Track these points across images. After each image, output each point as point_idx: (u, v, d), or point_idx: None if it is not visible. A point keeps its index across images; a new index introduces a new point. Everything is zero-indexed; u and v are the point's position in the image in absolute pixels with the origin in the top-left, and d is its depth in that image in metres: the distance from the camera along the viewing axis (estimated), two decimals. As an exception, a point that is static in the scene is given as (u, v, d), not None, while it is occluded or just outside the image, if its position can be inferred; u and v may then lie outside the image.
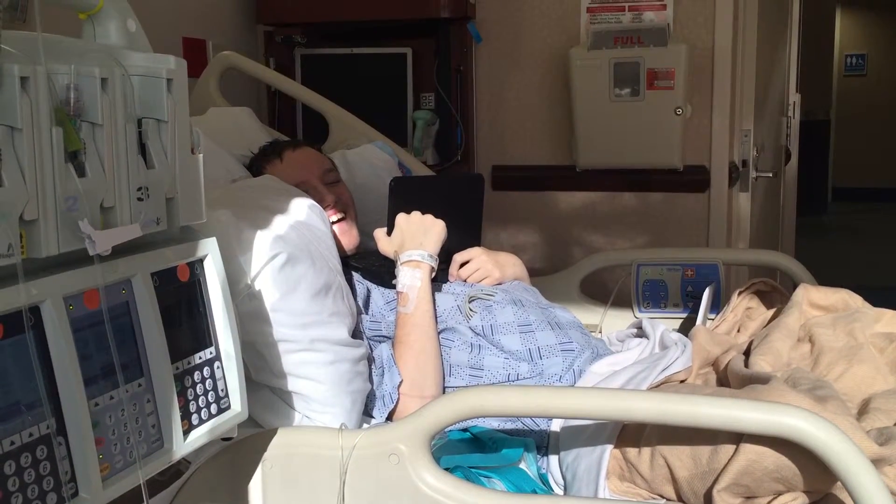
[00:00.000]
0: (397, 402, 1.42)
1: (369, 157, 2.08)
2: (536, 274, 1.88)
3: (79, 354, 0.84)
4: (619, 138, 2.74)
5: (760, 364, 1.40)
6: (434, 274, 1.54)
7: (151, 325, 0.93)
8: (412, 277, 1.49)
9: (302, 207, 1.43)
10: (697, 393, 1.18)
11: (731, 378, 1.39)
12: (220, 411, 1.04)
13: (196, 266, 1.02)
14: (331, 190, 1.71)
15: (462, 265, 1.72)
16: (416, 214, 1.57)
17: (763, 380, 1.20)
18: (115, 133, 0.90)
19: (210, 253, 1.04)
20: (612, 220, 2.94)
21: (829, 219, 8.64)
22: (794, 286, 1.88)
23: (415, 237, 1.54)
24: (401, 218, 1.58)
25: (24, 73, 0.79)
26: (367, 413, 1.42)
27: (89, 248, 0.85)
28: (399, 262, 1.52)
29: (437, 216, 1.58)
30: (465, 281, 1.71)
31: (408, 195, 1.63)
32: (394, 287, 1.56)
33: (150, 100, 0.96)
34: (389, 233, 1.59)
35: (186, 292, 1.01)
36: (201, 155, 1.03)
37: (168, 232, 1.00)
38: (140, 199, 0.93)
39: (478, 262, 1.71)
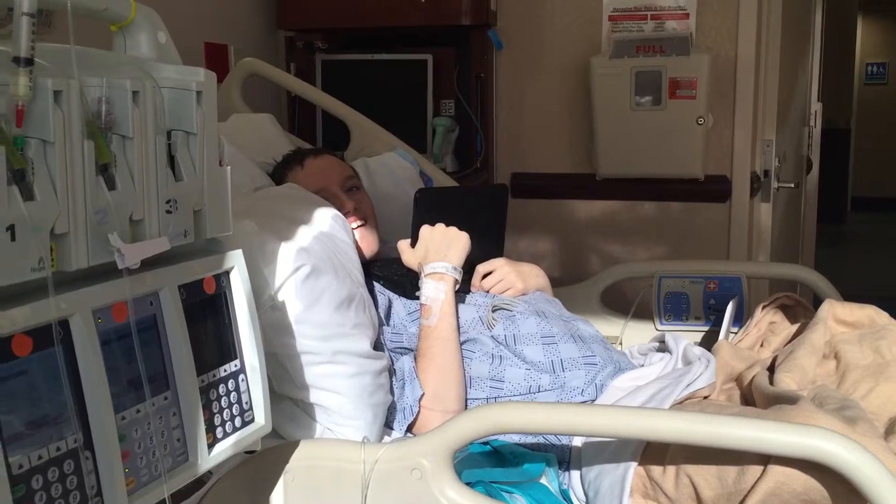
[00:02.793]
0: (417, 415, 1.42)
1: (391, 165, 2.07)
2: (555, 283, 1.87)
3: (106, 368, 0.84)
4: (639, 147, 2.73)
5: (786, 381, 1.39)
6: (458, 286, 1.53)
7: (178, 338, 0.93)
8: (436, 290, 1.48)
9: (325, 218, 1.42)
10: (724, 413, 1.16)
11: (756, 395, 1.38)
12: (245, 424, 1.03)
13: (222, 278, 1.02)
14: (351, 197, 1.71)
15: (485, 276, 1.71)
16: (440, 226, 1.57)
17: (790, 399, 1.18)
18: (145, 146, 0.90)
19: (236, 265, 1.04)
20: (632, 230, 2.93)
21: (848, 228, 8.57)
22: (818, 300, 1.87)
23: (439, 249, 1.53)
24: (425, 230, 1.57)
25: (58, 86, 0.79)
26: (387, 425, 1.42)
27: (118, 261, 0.85)
28: (423, 275, 1.52)
29: (460, 227, 1.58)
30: (487, 292, 1.70)
31: (432, 206, 1.62)
32: (416, 298, 1.56)
33: (180, 112, 0.96)
34: (413, 244, 1.58)
35: (213, 305, 1.00)
36: (229, 167, 1.03)
37: (195, 244, 1.00)
38: (169, 212, 0.93)
39: (501, 273, 1.71)
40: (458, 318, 1.52)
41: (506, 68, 2.94)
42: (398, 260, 1.66)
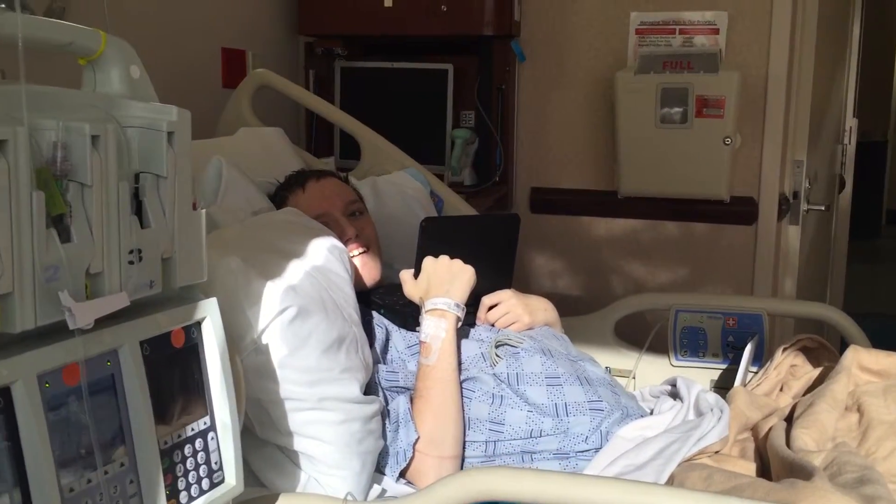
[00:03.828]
0: (412, 460, 1.35)
1: (400, 184, 2.01)
2: (572, 303, 1.80)
3: (55, 436, 0.78)
4: (663, 166, 2.63)
5: (803, 439, 1.30)
6: (460, 324, 1.46)
7: (138, 399, 0.87)
8: (436, 327, 1.41)
9: (321, 250, 1.36)
10: (735, 495, 1.08)
11: (771, 455, 1.29)
12: (213, 486, 0.97)
13: (193, 329, 0.96)
14: (353, 222, 1.64)
15: (490, 308, 1.64)
16: (443, 259, 1.50)
17: (805, 472, 1.09)
18: (105, 194, 0.83)
19: (209, 315, 0.97)
20: (653, 250, 2.83)
21: (882, 243, 8.34)
22: (843, 341, 1.77)
23: (441, 284, 1.46)
24: (428, 262, 1.50)
25: (3, 135, 0.73)
26: (379, 470, 1.35)
27: (69, 322, 0.79)
28: (423, 310, 1.45)
29: (467, 257, 1.50)
30: (492, 325, 1.62)
31: (439, 235, 1.55)
32: (416, 330, 1.49)
33: (150, 154, 0.89)
34: (417, 275, 1.51)
35: (181, 359, 0.94)
36: (203, 210, 0.96)
37: (164, 292, 0.93)
38: (131, 262, 0.87)
39: (507, 306, 1.63)
40: (459, 357, 1.45)
41: (528, 80, 2.86)
42: (398, 287, 1.59)
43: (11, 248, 0.74)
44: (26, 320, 0.77)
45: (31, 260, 0.76)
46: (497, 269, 1.65)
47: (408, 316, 1.56)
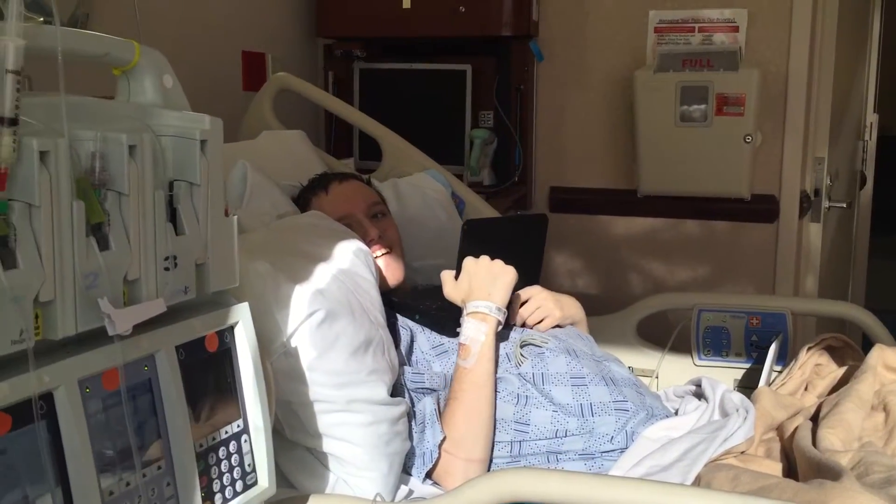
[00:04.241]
0: (438, 460, 1.36)
1: (421, 186, 2.01)
2: (591, 302, 1.79)
3: (95, 440, 0.80)
4: (683, 164, 2.63)
5: (829, 439, 1.30)
6: (500, 327, 1.46)
7: (174, 403, 0.89)
8: (476, 331, 1.42)
9: (346, 253, 1.37)
10: (760, 484, 1.08)
11: (797, 455, 1.29)
12: (246, 488, 0.99)
13: (226, 334, 0.97)
14: (376, 224, 1.65)
15: (522, 304, 1.64)
16: (484, 259, 1.49)
17: (833, 472, 1.10)
18: (142, 202, 0.85)
19: (241, 319, 0.99)
20: (674, 249, 2.83)
21: (905, 237, 8.27)
22: (866, 339, 1.77)
23: (482, 286, 1.46)
24: (469, 262, 1.50)
25: (44, 146, 0.75)
26: (406, 471, 1.36)
27: (109, 328, 0.80)
28: (465, 312, 1.45)
29: (505, 258, 1.50)
30: (524, 324, 1.62)
31: (479, 237, 1.55)
32: (456, 336, 1.48)
33: (183, 162, 0.91)
34: (457, 276, 1.51)
35: (215, 363, 0.96)
36: (235, 216, 0.98)
37: (198, 297, 0.95)
38: (167, 269, 0.89)
39: (538, 301, 1.63)
40: (496, 362, 1.45)
41: (546, 80, 2.86)
42: (433, 290, 1.59)
43: (53, 257, 0.76)
44: (67, 327, 0.78)
45: (71, 268, 0.78)
46: (528, 268, 1.65)
47: (447, 321, 1.55)
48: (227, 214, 0.97)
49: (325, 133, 2.89)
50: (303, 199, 1.71)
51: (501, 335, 1.58)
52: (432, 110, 2.81)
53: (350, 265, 1.35)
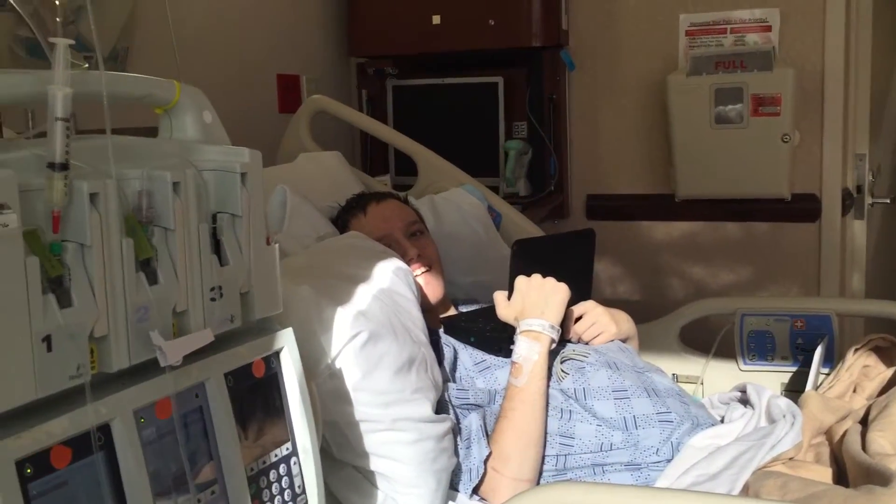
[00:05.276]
0: (484, 476, 1.36)
1: (458, 201, 2.03)
2: (633, 308, 1.79)
3: (150, 468, 0.82)
4: (721, 167, 2.62)
5: (879, 443, 1.28)
6: (554, 345, 1.46)
7: (225, 428, 0.91)
8: (529, 349, 1.42)
9: (386, 273, 1.39)
10: (810, 490, 1.08)
11: (847, 459, 1.28)
12: (298, 509, 1.01)
13: (272, 360, 1.00)
14: (414, 243, 1.67)
15: (576, 320, 1.64)
16: (536, 278, 1.50)
17: (883, 477, 1.09)
18: (187, 236, 0.88)
19: (286, 345, 1.01)
20: (715, 252, 2.81)
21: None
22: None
23: (536, 304, 1.46)
24: (521, 281, 1.50)
25: (94, 189, 0.78)
26: (453, 487, 1.37)
27: (160, 359, 0.83)
28: (518, 331, 1.46)
29: (556, 275, 1.51)
30: (579, 340, 1.62)
31: (529, 257, 1.55)
32: (509, 356, 1.48)
33: (225, 195, 0.94)
34: (510, 297, 1.52)
35: (262, 388, 0.98)
36: (277, 245, 1.00)
37: (243, 325, 0.97)
38: (213, 300, 0.91)
39: (593, 316, 1.63)
40: (549, 382, 1.45)
41: (579, 88, 2.87)
42: (484, 312, 1.60)
43: (105, 293, 0.79)
44: (121, 360, 0.81)
45: (123, 303, 0.81)
46: (580, 284, 1.65)
47: (502, 342, 1.55)
48: (268, 243, 1.00)
49: (360, 151, 2.93)
50: (341, 221, 1.74)
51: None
52: (466, 123, 2.83)
53: (391, 285, 1.37)
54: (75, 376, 0.77)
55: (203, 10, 2.22)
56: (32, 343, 0.73)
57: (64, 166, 0.76)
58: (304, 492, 1.02)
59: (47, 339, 0.74)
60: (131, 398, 0.82)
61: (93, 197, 0.78)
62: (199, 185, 0.90)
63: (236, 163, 0.94)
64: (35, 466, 0.73)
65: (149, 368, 0.85)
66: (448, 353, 1.56)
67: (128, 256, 0.82)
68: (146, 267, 0.85)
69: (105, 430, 0.80)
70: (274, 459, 0.98)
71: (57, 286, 0.76)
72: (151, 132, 1.01)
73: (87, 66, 0.82)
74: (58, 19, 1.33)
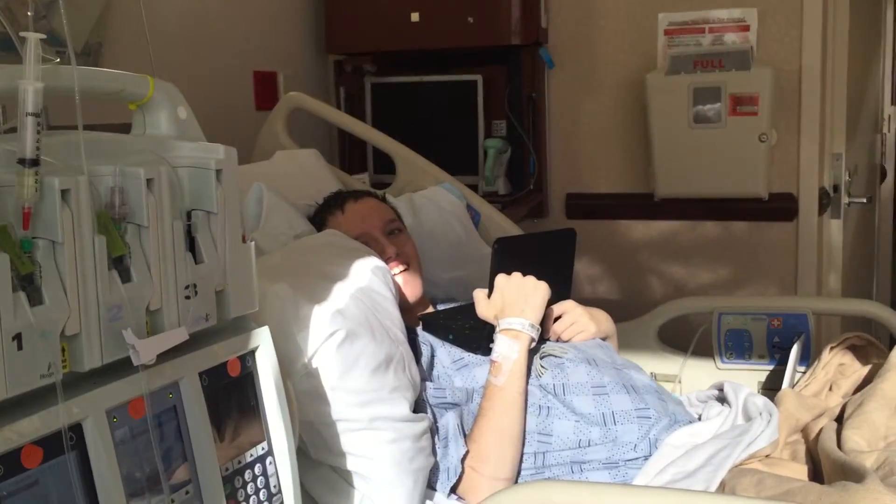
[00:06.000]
0: (462, 475, 1.36)
1: (437, 199, 2.03)
2: (612, 307, 1.79)
3: (123, 468, 0.81)
4: (699, 166, 2.63)
5: (854, 440, 1.29)
6: (533, 344, 1.46)
7: (200, 428, 0.90)
8: (509, 348, 1.41)
9: (364, 272, 1.38)
10: (786, 500, 1.08)
11: (822, 457, 1.29)
12: (273, 509, 1.00)
13: (247, 358, 0.99)
14: (393, 241, 1.67)
15: (556, 319, 1.64)
16: (516, 276, 1.49)
17: (857, 474, 1.09)
18: (161, 233, 0.87)
19: (262, 344, 1.00)
20: (693, 251, 2.82)
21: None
22: (892, 337, 1.76)
23: (515, 303, 1.46)
24: (501, 280, 1.49)
25: (66, 185, 0.77)
26: (431, 486, 1.37)
27: (133, 358, 0.82)
28: (497, 329, 1.45)
29: (535, 273, 1.50)
30: (558, 338, 1.62)
31: (509, 255, 1.55)
32: (488, 354, 1.48)
33: (199, 191, 0.93)
34: (490, 294, 1.51)
35: (237, 387, 0.97)
36: (252, 243, 0.99)
37: (218, 323, 0.96)
38: (188, 297, 0.90)
39: (573, 316, 1.63)
40: (528, 380, 1.45)
41: (558, 87, 2.87)
42: (463, 310, 1.59)
43: (77, 291, 0.78)
44: (94, 359, 0.80)
45: (95, 301, 0.80)
46: (560, 283, 1.65)
47: (481, 340, 1.55)
48: (244, 241, 0.99)
49: (338, 149, 2.92)
50: (319, 219, 1.73)
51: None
52: (445, 121, 2.83)
53: (368, 283, 1.37)
54: (46, 375, 0.75)
55: (178, 5, 2.20)
56: (2, 341, 0.72)
57: (35, 162, 0.75)
58: (279, 492, 1.01)
59: (17, 338, 0.73)
60: (104, 397, 0.81)
61: (64, 193, 0.77)
62: (174, 181, 0.89)
63: (211, 159, 0.93)
64: (5, 466, 0.72)
65: (122, 367, 0.84)
66: (426, 352, 1.55)
67: (100, 254, 0.80)
68: (119, 264, 0.84)
69: (77, 429, 0.79)
70: (249, 459, 0.98)
71: (28, 284, 0.75)
72: (125, 128, 0.99)
73: (58, 60, 0.80)
74: (29, 13, 1.31)
